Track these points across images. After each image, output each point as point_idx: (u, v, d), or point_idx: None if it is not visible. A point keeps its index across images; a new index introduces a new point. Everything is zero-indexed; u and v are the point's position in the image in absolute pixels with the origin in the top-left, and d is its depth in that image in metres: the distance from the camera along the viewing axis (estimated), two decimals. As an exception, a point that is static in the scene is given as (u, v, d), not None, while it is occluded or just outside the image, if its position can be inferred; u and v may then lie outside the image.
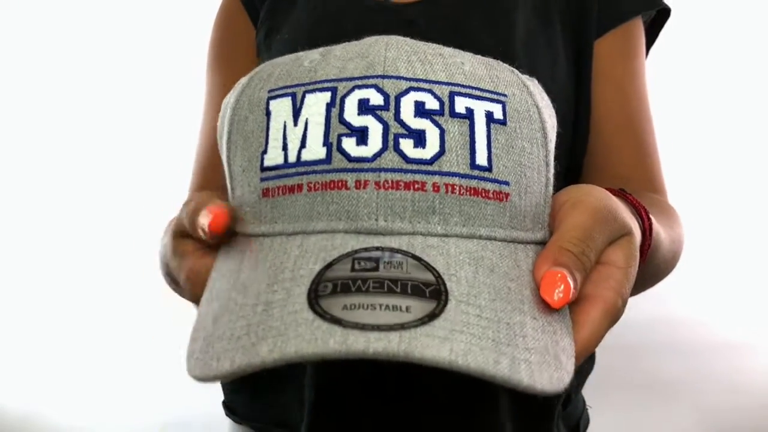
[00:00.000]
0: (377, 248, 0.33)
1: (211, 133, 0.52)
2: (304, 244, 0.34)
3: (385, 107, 0.36)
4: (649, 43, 0.77)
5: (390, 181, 0.35)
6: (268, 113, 0.37)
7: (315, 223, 0.35)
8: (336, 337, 0.29)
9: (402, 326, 0.29)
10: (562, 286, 0.32)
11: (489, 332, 0.30)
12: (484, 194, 0.36)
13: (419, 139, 0.35)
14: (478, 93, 0.37)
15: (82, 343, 2.63)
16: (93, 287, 2.87)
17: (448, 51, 0.40)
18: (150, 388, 2.37)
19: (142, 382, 2.40)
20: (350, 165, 0.35)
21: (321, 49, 0.40)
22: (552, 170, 0.41)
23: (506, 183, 0.37)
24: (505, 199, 0.36)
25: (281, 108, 0.36)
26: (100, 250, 2.92)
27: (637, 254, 0.37)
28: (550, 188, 0.41)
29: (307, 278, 0.32)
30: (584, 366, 0.70)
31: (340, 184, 0.35)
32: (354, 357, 0.28)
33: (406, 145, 0.35)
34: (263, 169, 0.36)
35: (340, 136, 0.35)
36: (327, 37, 0.64)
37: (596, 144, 0.71)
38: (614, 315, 0.35)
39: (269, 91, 0.37)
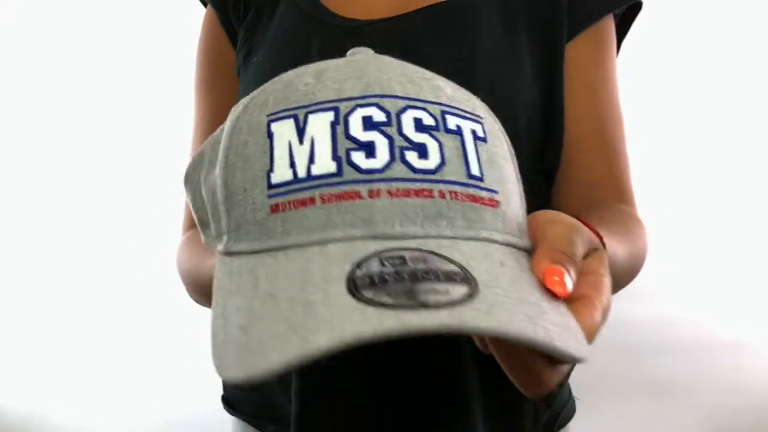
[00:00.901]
0: (399, 248, 0.35)
1: None
2: (325, 252, 0.35)
3: (388, 123, 0.38)
4: (621, 36, 0.76)
5: (401, 190, 0.37)
6: (270, 135, 0.38)
7: (332, 232, 0.36)
8: (390, 318, 0.30)
9: (447, 304, 0.31)
10: (564, 279, 0.36)
11: (519, 308, 0.33)
12: (480, 201, 0.39)
13: (422, 151, 0.38)
14: (461, 113, 0.41)
15: (82, 344, 2.63)
16: (93, 288, 2.87)
17: (428, 74, 0.43)
18: (150, 387, 2.37)
19: (143, 382, 2.40)
20: (361, 176, 0.37)
21: (312, 72, 0.41)
22: (521, 186, 0.45)
23: (495, 192, 0.40)
24: (497, 206, 0.40)
25: (284, 129, 0.38)
26: (100, 251, 2.92)
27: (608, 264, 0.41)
28: (524, 202, 0.44)
29: (341, 278, 0.33)
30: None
31: (353, 194, 0.36)
32: (412, 334, 0.30)
33: (412, 157, 0.38)
34: (270, 186, 0.37)
35: (348, 150, 0.37)
36: (294, 59, 0.66)
37: (567, 150, 0.72)
38: (606, 314, 0.38)
39: (268, 115, 0.39)
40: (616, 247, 0.51)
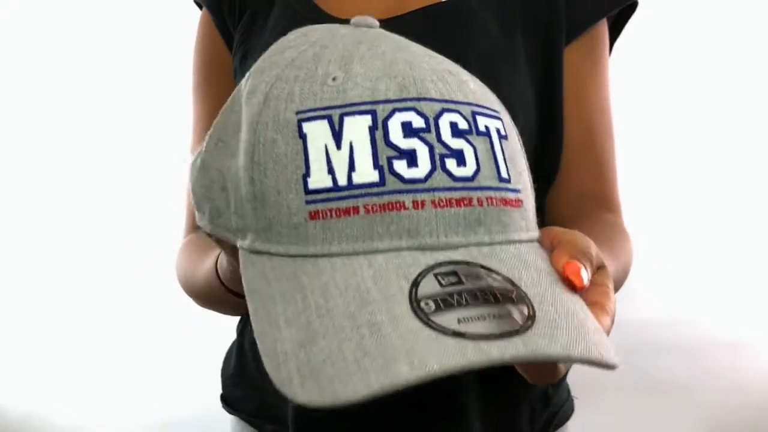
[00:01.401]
0: (450, 262, 0.36)
1: None
2: (374, 263, 0.36)
3: (427, 129, 0.38)
4: (614, 36, 0.76)
5: (444, 200, 0.37)
6: (302, 136, 0.37)
7: (377, 243, 0.36)
8: (470, 348, 0.31)
9: (517, 332, 0.32)
10: (581, 272, 0.38)
11: (571, 324, 0.34)
12: (510, 203, 0.40)
13: (460, 158, 0.38)
14: (486, 111, 0.41)
15: (82, 344, 2.63)
16: (93, 288, 2.88)
17: (452, 66, 0.42)
18: (150, 387, 2.37)
19: (142, 382, 2.40)
20: (405, 186, 0.37)
21: (336, 62, 0.40)
22: (531, 176, 0.46)
23: (519, 191, 0.41)
24: (521, 206, 0.41)
25: (318, 131, 0.37)
26: (100, 251, 2.92)
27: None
28: (533, 191, 0.45)
29: (400, 296, 0.34)
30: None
31: (398, 205, 0.36)
32: (493, 365, 0.31)
33: (451, 165, 0.38)
34: (308, 192, 0.37)
35: (389, 158, 0.37)
36: None
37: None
38: (613, 320, 0.40)
39: (298, 113, 0.38)
40: (608, 266, 0.54)
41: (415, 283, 0.34)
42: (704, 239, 2.33)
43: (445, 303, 0.33)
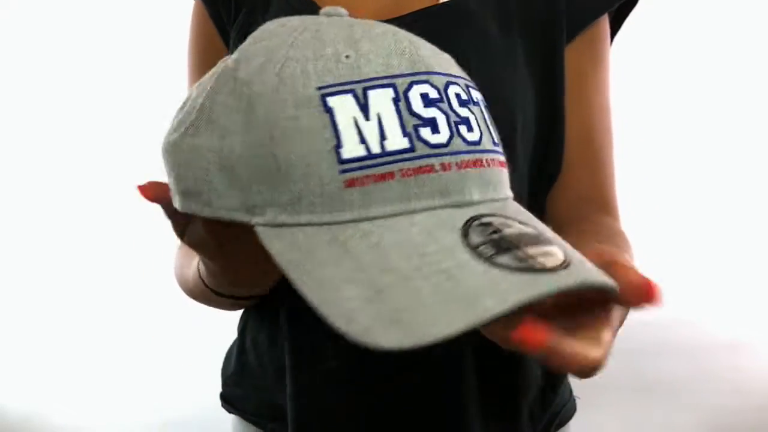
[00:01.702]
0: (483, 215, 0.41)
1: None
2: (416, 222, 0.39)
3: (441, 100, 0.42)
4: (614, 30, 0.75)
5: (464, 161, 0.42)
6: (328, 110, 0.40)
7: (414, 203, 0.40)
8: (542, 280, 0.34)
9: (568, 265, 0.36)
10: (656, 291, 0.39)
11: (584, 258, 0.39)
12: (502, 164, 0.45)
13: (468, 125, 0.43)
14: (472, 84, 0.46)
15: (82, 344, 2.63)
16: (93, 288, 2.88)
17: (428, 45, 0.47)
18: (150, 387, 2.37)
19: (142, 382, 2.40)
20: (432, 151, 0.41)
21: (342, 42, 0.43)
22: None
23: (503, 153, 0.46)
24: (505, 166, 0.45)
25: (345, 104, 0.40)
26: (99, 251, 2.92)
27: None
28: None
29: (457, 246, 0.38)
30: None
31: (428, 168, 0.40)
32: (565, 291, 0.34)
33: (463, 131, 0.42)
34: (342, 161, 0.39)
35: (415, 126, 0.41)
36: None
37: None
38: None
39: (318, 89, 0.40)
40: None
41: (465, 234, 0.38)
42: (704, 240, 2.33)
43: (498, 247, 0.37)
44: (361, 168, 0.39)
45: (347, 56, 0.41)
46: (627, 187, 0.88)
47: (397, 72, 0.41)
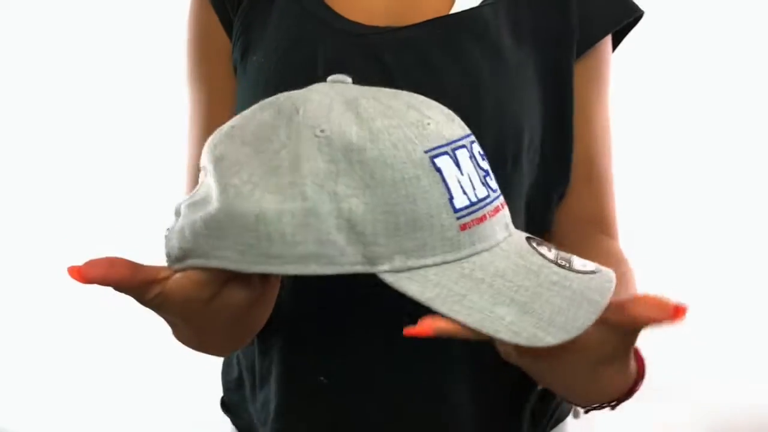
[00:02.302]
0: (529, 238, 0.53)
1: (200, 148, 0.53)
2: (505, 249, 0.50)
3: (483, 156, 0.53)
4: (615, 42, 0.75)
5: (500, 205, 0.53)
6: (438, 169, 0.48)
7: (498, 236, 0.50)
8: (599, 277, 0.48)
9: (594, 271, 0.50)
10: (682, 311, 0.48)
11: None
12: (505, 206, 0.53)
13: (490, 175, 0.53)
14: (473, 139, 0.54)
15: (81, 343, 2.63)
16: (93, 291, 2.87)
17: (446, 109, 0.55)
18: (150, 391, 2.37)
19: (143, 387, 2.40)
20: (494, 195, 0.51)
21: (414, 109, 0.50)
22: None
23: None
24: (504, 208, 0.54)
25: (447, 164, 0.48)
26: (99, 252, 2.91)
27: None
28: None
29: (546, 262, 0.49)
30: None
31: (497, 209, 0.51)
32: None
33: (491, 182, 0.52)
34: (456, 210, 0.48)
35: (483, 177, 0.51)
36: (299, 64, 0.66)
37: None
38: None
39: (426, 152, 0.48)
40: None
41: (540, 254, 0.50)
42: (704, 240, 2.33)
43: (563, 259, 0.50)
44: (468, 214, 0.48)
45: (428, 123, 0.49)
46: (627, 188, 0.87)
47: (459, 135, 0.51)
